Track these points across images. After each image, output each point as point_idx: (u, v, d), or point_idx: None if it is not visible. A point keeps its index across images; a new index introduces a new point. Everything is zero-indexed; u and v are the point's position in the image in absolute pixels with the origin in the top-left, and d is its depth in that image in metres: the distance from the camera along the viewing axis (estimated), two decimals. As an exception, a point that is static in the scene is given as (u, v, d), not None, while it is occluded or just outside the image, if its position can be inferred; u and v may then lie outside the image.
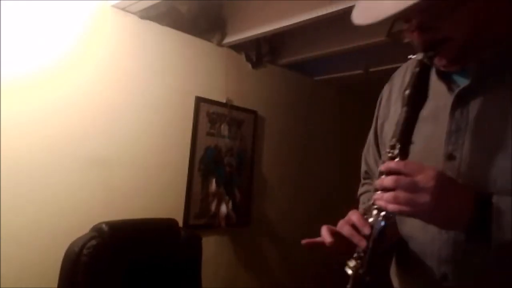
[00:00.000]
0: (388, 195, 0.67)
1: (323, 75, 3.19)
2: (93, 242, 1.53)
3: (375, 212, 0.72)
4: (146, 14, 2.27)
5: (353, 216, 0.77)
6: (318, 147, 3.30)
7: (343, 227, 0.78)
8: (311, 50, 2.73)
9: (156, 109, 2.33)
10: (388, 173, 0.69)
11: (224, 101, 2.66)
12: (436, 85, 0.77)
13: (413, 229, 0.81)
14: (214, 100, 2.60)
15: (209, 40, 2.60)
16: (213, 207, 2.52)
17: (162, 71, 2.37)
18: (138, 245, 1.68)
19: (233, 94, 2.71)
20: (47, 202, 1.92)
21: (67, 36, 2.01)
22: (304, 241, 0.84)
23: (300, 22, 2.15)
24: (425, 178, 0.65)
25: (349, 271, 0.74)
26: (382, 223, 0.72)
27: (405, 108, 0.72)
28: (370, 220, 0.74)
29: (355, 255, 0.74)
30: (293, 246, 3.03)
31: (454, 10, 0.69)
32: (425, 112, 0.75)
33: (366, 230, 0.73)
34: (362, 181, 1.10)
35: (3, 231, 1.77)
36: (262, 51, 2.86)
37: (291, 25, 2.20)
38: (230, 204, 2.58)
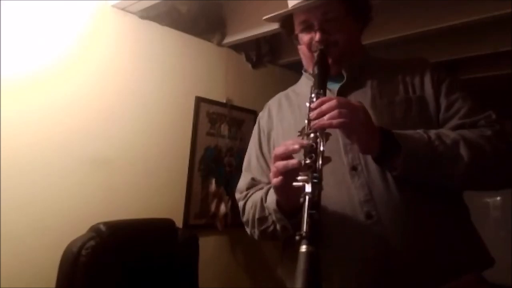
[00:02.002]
0: (333, 112, 0.84)
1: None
2: (92, 242, 1.53)
3: (312, 135, 0.83)
4: (146, 14, 2.27)
5: (288, 141, 0.85)
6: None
7: (277, 150, 0.85)
8: (311, 50, 2.73)
9: (156, 109, 2.33)
10: (321, 104, 0.86)
11: (224, 101, 2.66)
12: None
13: (330, 188, 0.91)
14: (214, 100, 2.61)
15: (209, 40, 2.60)
16: (213, 207, 2.52)
17: (162, 71, 2.37)
18: (135, 245, 1.68)
19: (233, 94, 2.71)
20: (47, 202, 1.91)
21: (67, 36, 2.01)
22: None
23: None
24: (355, 102, 0.89)
25: (300, 183, 0.77)
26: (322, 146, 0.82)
27: (317, 74, 0.98)
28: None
29: (300, 174, 0.78)
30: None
31: (341, 20, 1.02)
32: None
33: (304, 142, 0.82)
34: (245, 191, 1.15)
35: (3, 231, 1.77)
36: (262, 51, 2.86)
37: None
38: (230, 204, 2.58)
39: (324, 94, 0.93)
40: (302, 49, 1.10)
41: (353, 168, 0.95)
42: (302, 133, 0.87)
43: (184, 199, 2.43)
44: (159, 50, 2.36)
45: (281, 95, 1.25)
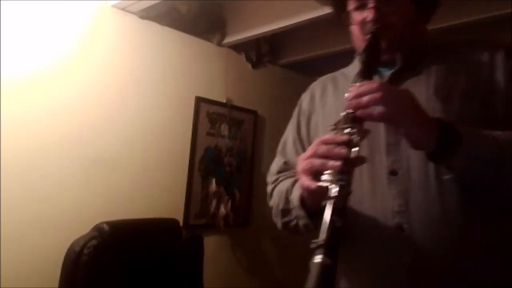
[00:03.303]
0: (373, 95, 0.71)
1: (323, 75, 3.18)
2: (94, 242, 1.52)
3: (347, 130, 0.73)
4: (146, 14, 2.27)
5: (325, 136, 0.76)
6: (318, 147, 3.29)
7: (318, 149, 0.75)
8: (311, 50, 2.73)
9: (156, 109, 2.33)
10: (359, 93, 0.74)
11: (224, 101, 2.66)
12: None
13: (363, 193, 0.84)
14: (214, 100, 2.60)
15: (209, 40, 2.60)
16: (213, 207, 2.52)
17: (162, 71, 2.37)
18: (139, 245, 1.68)
19: (233, 94, 2.71)
20: (48, 202, 1.91)
21: (67, 36, 2.01)
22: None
23: (300, 22, 2.15)
24: (401, 89, 0.78)
25: (325, 183, 0.69)
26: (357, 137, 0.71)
27: (363, 61, 0.84)
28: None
29: (327, 171, 0.70)
30: (293, 246, 3.02)
31: (398, 2, 0.90)
32: None
33: (345, 137, 0.72)
34: (276, 175, 1.10)
35: (3, 231, 1.77)
36: (262, 51, 2.86)
37: (291, 25, 2.20)
38: (230, 204, 2.58)
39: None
40: (354, 30, 0.97)
41: (392, 172, 0.84)
42: (337, 126, 0.75)
43: (184, 199, 2.43)
44: (159, 50, 2.36)
45: (327, 77, 1.13)
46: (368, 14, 0.90)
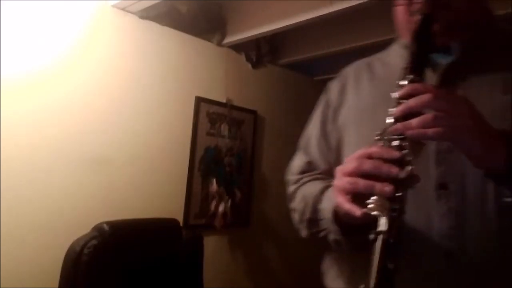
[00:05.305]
0: (425, 116, 0.58)
1: (323, 75, 3.19)
2: (94, 241, 1.53)
3: (396, 143, 0.61)
4: (146, 14, 2.27)
5: (371, 148, 0.63)
6: (318, 147, 3.29)
7: (362, 164, 0.62)
8: (311, 50, 2.73)
9: (156, 109, 2.33)
10: (410, 96, 0.60)
11: (224, 101, 2.66)
12: None
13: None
14: (214, 100, 2.61)
15: (209, 40, 2.60)
16: (213, 207, 2.52)
17: (162, 71, 2.37)
18: (139, 245, 1.68)
19: (233, 94, 2.71)
20: (47, 202, 1.91)
21: (67, 36, 2.01)
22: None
23: (300, 22, 2.15)
24: (459, 97, 0.62)
25: (373, 211, 0.58)
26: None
27: (412, 53, 0.67)
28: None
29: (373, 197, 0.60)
30: (293, 246, 3.02)
31: None
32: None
33: (396, 153, 0.59)
34: (298, 176, 0.95)
35: (3, 231, 1.77)
36: (262, 51, 2.86)
37: (291, 25, 2.20)
38: (230, 203, 2.58)
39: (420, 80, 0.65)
40: (397, 11, 0.81)
41: (441, 186, 0.69)
42: (382, 137, 0.63)
43: (184, 199, 2.43)
44: (159, 50, 2.36)
45: (361, 63, 0.95)
46: None
